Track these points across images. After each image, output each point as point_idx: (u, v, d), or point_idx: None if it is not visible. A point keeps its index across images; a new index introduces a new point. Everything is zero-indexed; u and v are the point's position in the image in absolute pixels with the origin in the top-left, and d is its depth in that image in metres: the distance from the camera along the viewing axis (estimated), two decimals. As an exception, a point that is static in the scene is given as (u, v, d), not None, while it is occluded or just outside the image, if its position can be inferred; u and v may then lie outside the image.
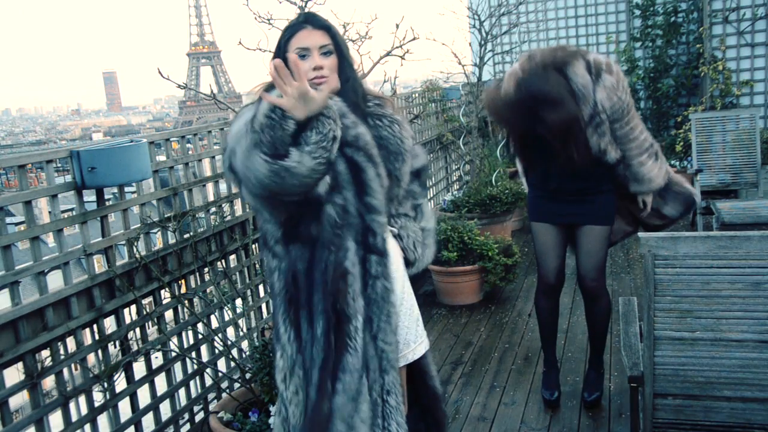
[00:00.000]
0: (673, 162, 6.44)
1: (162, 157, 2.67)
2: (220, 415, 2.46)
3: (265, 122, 1.46)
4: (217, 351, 2.86)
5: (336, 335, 1.60)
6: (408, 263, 1.86)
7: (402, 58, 3.40)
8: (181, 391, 2.72)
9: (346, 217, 1.60)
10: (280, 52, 1.68)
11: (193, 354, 2.75)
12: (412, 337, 1.82)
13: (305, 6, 3.07)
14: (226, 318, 2.90)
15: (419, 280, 4.58)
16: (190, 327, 2.72)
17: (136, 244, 2.44)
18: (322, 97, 1.49)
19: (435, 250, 1.95)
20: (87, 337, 2.29)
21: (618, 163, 2.48)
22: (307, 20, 1.70)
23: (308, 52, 1.65)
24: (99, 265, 2.36)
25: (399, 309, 1.75)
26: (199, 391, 2.81)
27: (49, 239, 16.32)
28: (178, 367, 2.70)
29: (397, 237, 1.83)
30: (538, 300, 2.80)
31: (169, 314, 2.66)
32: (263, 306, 3.22)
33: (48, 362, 2.11)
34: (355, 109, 1.66)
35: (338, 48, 1.69)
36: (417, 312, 1.87)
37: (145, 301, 2.51)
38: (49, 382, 2.22)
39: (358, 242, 1.62)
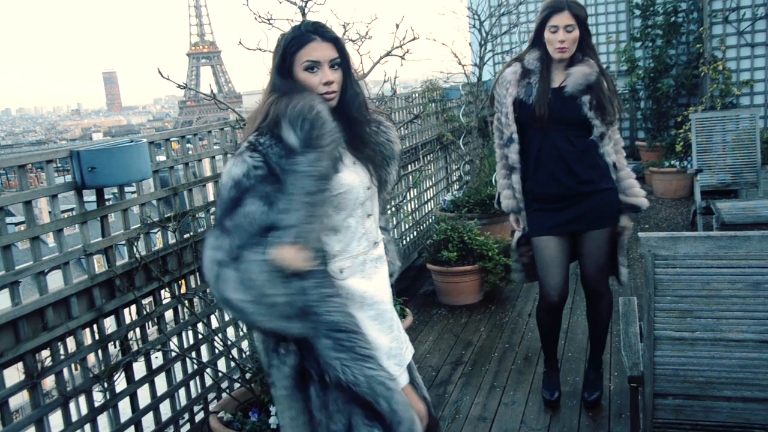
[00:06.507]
0: (673, 162, 6.45)
1: (162, 157, 2.67)
2: (220, 415, 2.47)
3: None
4: (217, 351, 2.86)
5: None
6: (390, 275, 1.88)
7: (402, 58, 3.39)
8: (181, 391, 2.72)
9: None
10: (286, 64, 1.62)
11: (193, 354, 2.75)
12: (404, 338, 1.83)
13: (305, 6, 3.06)
14: (226, 318, 2.90)
15: (419, 280, 4.58)
16: (190, 327, 2.72)
17: (136, 244, 2.44)
18: None
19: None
20: (87, 337, 2.29)
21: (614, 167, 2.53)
22: (317, 31, 1.63)
23: (318, 66, 1.61)
24: (99, 265, 2.36)
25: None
26: (199, 391, 2.81)
27: (49, 239, 16.32)
28: (178, 367, 2.70)
29: (385, 251, 1.84)
30: (541, 316, 2.76)
31: (169, 314, 2.66)
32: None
33: (48, 362, 2.10)
34: (358, 122, 1.67)
35: (345, 61, 1.66)
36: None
37: (145, 301, 2.51)
38: (49, 382, 2.22)
39: None
